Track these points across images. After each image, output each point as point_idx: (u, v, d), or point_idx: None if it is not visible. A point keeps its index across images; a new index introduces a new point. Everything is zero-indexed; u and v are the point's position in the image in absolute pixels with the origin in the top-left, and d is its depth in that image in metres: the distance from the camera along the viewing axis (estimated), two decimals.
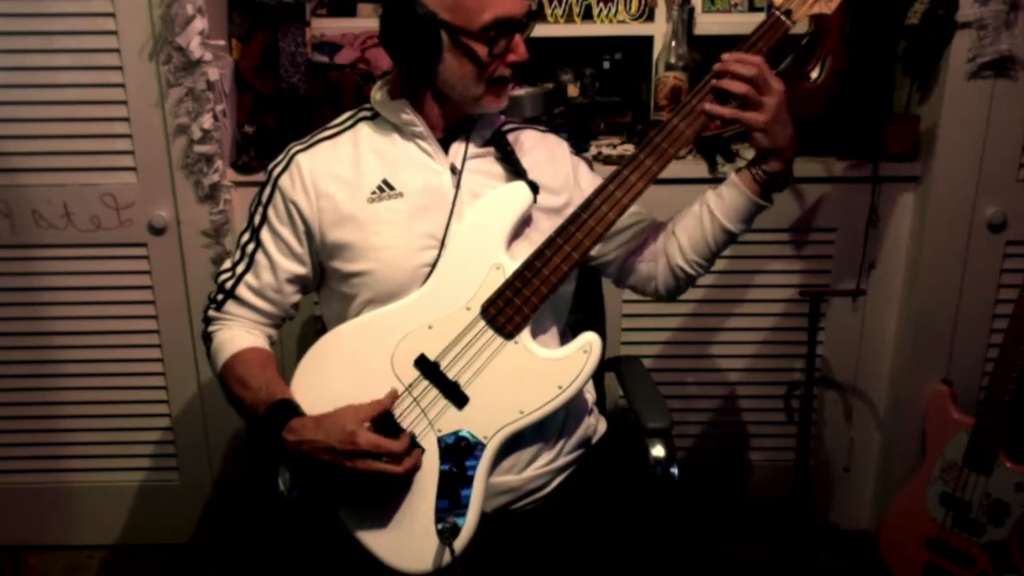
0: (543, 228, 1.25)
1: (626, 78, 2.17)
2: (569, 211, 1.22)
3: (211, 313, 1.31)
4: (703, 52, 2.04)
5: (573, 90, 2.15)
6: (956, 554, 1.88)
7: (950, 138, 1.87)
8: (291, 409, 1.17)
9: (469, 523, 1.15)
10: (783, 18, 1.20)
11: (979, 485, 1.84)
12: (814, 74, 1.89)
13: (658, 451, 1.39)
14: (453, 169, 1.27)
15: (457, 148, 1.28)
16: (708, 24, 2.04)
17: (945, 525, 1.89)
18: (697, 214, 1.31)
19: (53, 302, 2.03)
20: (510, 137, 1.33)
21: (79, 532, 2.22)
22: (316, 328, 2.00)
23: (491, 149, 1.30)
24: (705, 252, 1.31)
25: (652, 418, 1.42)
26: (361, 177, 1.25)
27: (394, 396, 1.18)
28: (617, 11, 2.05)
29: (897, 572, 1.99)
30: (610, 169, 1.87)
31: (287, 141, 1.31)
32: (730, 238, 1.30)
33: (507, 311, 1.18)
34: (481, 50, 1.17)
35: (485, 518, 1.18)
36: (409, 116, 1.25)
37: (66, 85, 1.88)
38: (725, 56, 1.19)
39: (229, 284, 1.29)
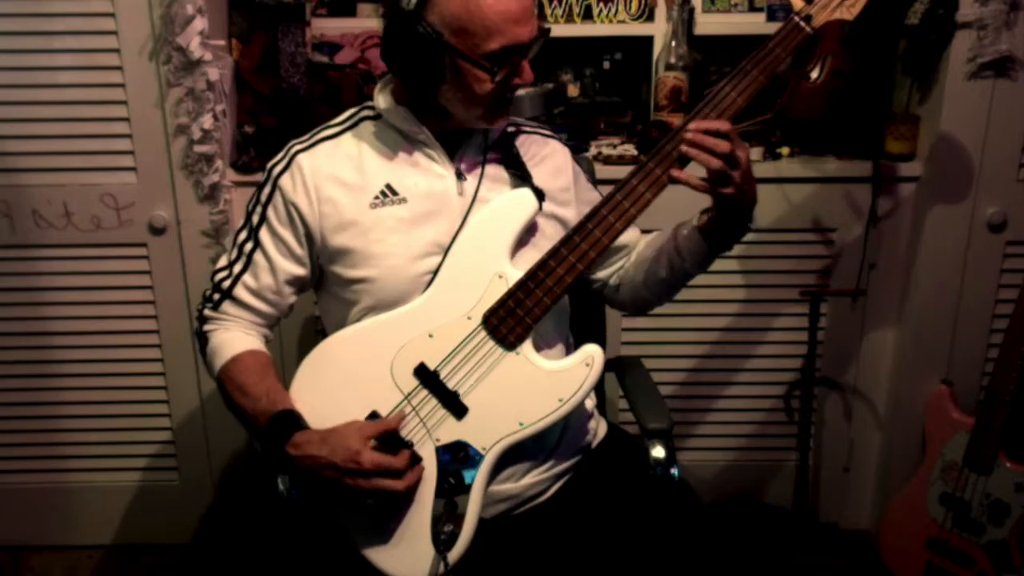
0: (549, 234, 1.24)
1: (626, 78, 2.16)
2: (573, 220, 1.20)
3: (207, 312, 1.28)
4: (703, 52, 2.04)
5: (573, 90, 2.15)
6: (956, 554, 1.89)
7: (950, 138, 1.87)
8: (294, 422, 1.15)
9: (466, 533, 1.15)
10: (802, 24, 1.16)
11: (979, 485, 1.84)
12: (814, 74, 1.88)
13: (658, 452, 1.38)
14: (459, 174, 1.25)
15: (463, 153, 1.26)
16: (708, 24, 2.04)
17: (945, 525, 1.89)
18: (663, 253, 1.30)
19: (53, 302, 2.03)
20: (516, 140, 1.32)
21: (79, 532, 2.22)
22: (316, 328, 2.00)
23: (497, 153, 1.29)
24: (665, 288, 1.33)
25: (652, 419, 1.42)
26: (364, 181, 1.23)
27: (400, 417, 1.17)
28: (617, 11, 2.05)
29: (897, 572, 1.99)
30: (610, 169, 1.91)
31: (287, 141, 1.28)
32: (688, 278, 1.31)
33: (509, 321, 1.16)
34: (484, 77, 1.14)
35: (484, 524, 1.17)
36: (413, 125, 1.23)
37: (66, 85, 1.88)
38: (693, 126, 1.13)
39: (226, 284, 1.27)
